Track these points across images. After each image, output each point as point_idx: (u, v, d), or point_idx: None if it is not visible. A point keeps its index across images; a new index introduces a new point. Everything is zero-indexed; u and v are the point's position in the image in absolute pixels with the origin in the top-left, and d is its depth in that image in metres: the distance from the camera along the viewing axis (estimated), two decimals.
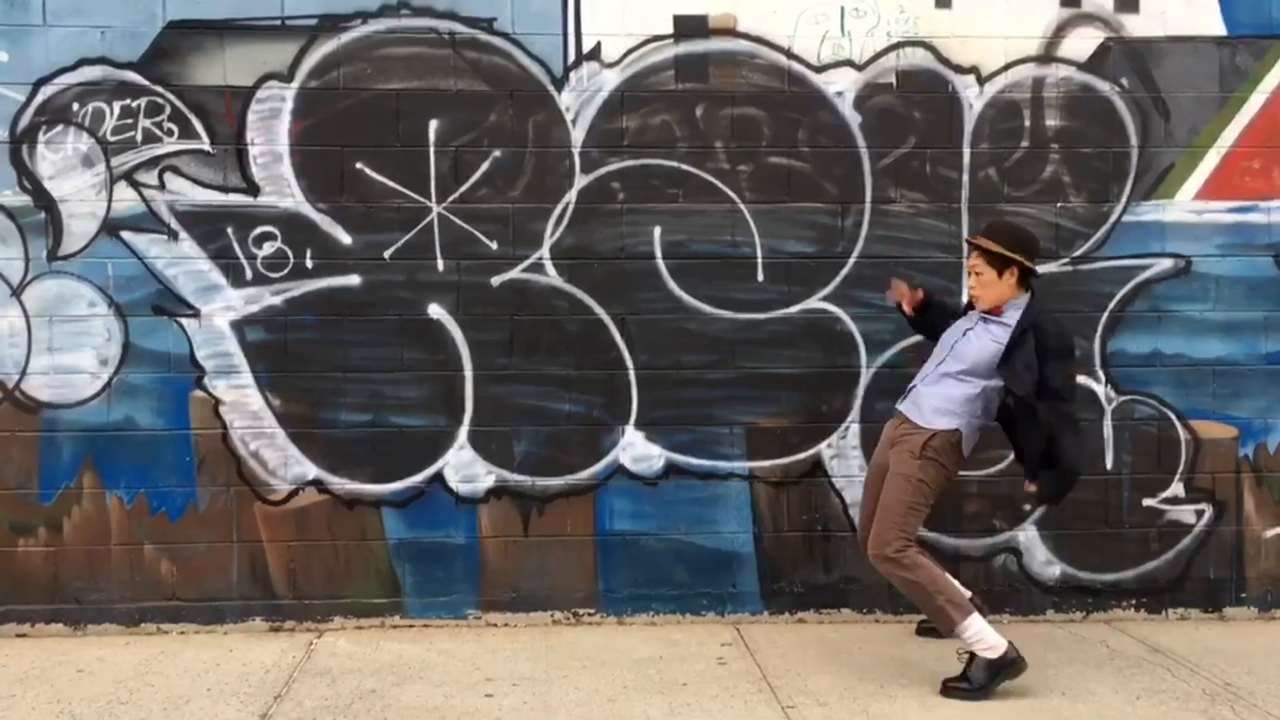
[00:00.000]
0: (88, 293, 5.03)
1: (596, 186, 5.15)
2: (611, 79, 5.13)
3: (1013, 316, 4.41)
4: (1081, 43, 5.23)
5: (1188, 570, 5.32)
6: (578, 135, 5.14)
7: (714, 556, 5.22)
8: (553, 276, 5.16)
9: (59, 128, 4.99)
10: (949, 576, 4.45)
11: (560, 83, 5.12)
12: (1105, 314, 5.26)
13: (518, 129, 5.11)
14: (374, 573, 5.16)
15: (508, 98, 5.11)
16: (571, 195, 5.15)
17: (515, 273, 5.15)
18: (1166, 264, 5.28)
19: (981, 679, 4.30)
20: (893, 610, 5.25)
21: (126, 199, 5.03)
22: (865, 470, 5.10)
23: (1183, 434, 5.30)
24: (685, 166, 5.16)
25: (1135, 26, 5.24)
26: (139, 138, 5.02)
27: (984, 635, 4.31)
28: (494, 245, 5.13)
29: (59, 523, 5.05)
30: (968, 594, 4.50)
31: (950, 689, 4.32)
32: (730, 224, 5.17)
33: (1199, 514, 5.32)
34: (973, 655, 4.33)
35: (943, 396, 4.46)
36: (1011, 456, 5.20)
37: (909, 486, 4.41)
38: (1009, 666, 4.30)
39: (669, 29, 5.14)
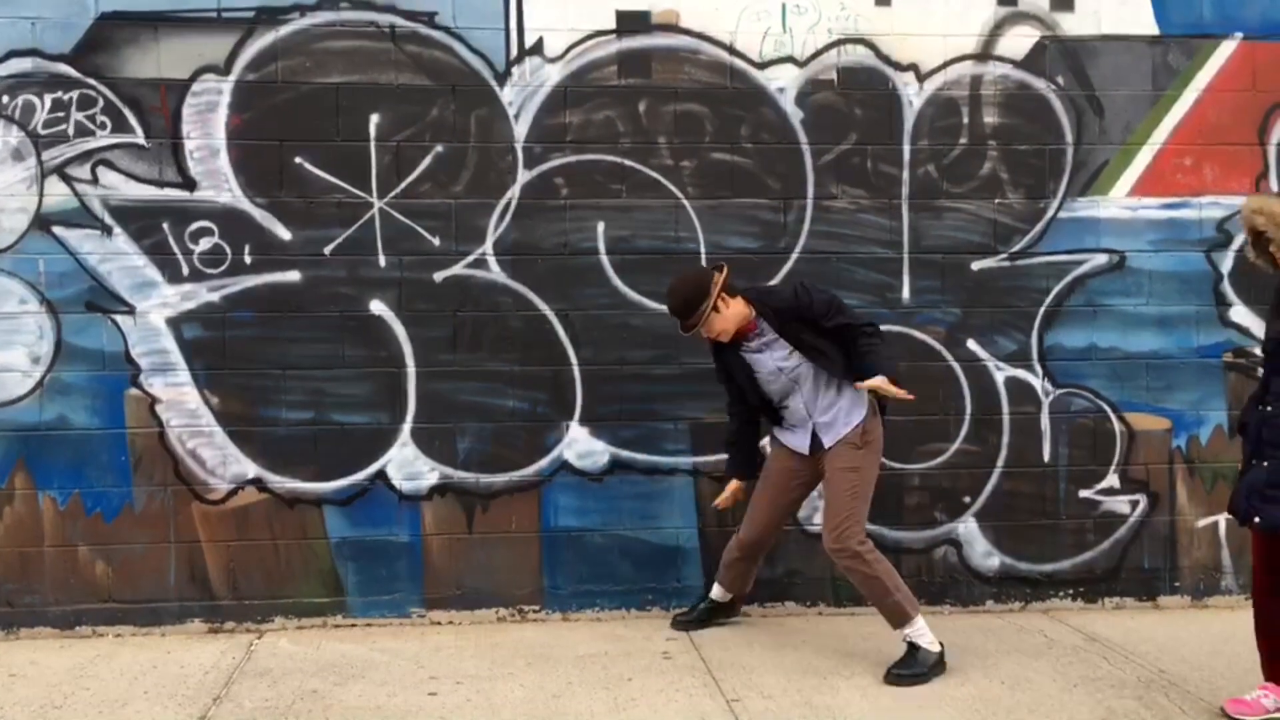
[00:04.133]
0: (18, 289, 4.92)
1: (539, 182, 5.14)
2: (554, 74, 5.12)
3: (764, 325, 4.54)
4: (1018, 41, 5.31)
5: (1123, 560, 5.42)
6: (520, 130, 5.12)
7: (659, 551, 5.23)
8: (496, 272, 5.14)
9: None
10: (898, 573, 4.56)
11: (502, 77, 5.10)
12: (1042, 309, 5.34)
13: (460, 124, 5.08)
14: (315, 572, 5.10)
15: (449, 92, 5.07)
16: (514, 191, 5.13)
17: (458, 269, 5.12)
18: (1101, 259, 5.37)
19: (926, 665, 4.42)
20: (835, 603, 5.30)
21: (58, 193, 4.93)
22: None
23: (1117, 426, 5.40)
24: (628, 162, 5.16)
25: (1070, 25, 5.33)
26: (71, 131, 4.92)
27: (926, 631, 4.46)
28: (436, 241, 5.10)
29: None
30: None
31: (897, 676, 4.38)
32: (673, 220, 5.18)
33: (1133, 505, 5.42)
34: (916, 645, 4.44)
35: (837, 406, 4.54)
36: (953, 449, 5.31)
37: (859, 477, 4.50)
38: (942, 659, 4.46)
39: (611, 24, 5.13)
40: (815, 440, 4.59)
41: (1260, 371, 4.03)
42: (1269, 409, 3.86)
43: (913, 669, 4.40)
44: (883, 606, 4.49)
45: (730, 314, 4.52)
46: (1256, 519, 3.87)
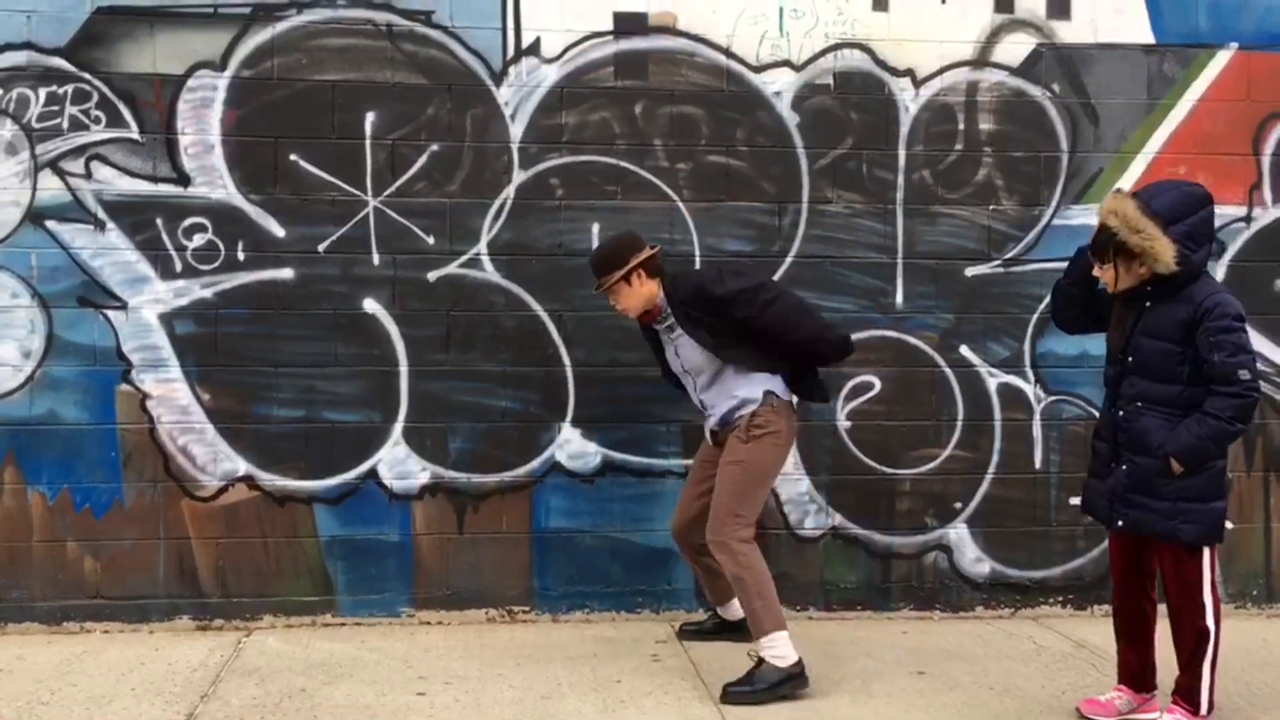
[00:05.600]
0: (10, 283, 4.90)
1: (535, 182, 5.13)
2: (551, 74, 5.12)
3: (667, 311, 4.48)
4: (1014, 48, 5.32)
5: None
6: (516, 130, 5.11)
7: (649, 554, 5.23)
8: (490, 272, 5.13)
9: None
10: (773, 585, 4.39)
11: (499, 77, 5.10)
12: (1034, 316, 5.35)
13: (455, 123, 5.08)
14: (305, 570, 5.09)
15: (445, 91, 5.07)
16: (509, 190, 5.12)
17: (452, 268, 5.11)
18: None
19: (765, 684, 4.25)
20: (825, 607, 5.30)
21: (52, 188, 4.91)
22: (799, 467, 5.21)
23: None
24: (624, 163, 5.16)
25: (1066, 33, 5.34)
26: (65, 125, 4.91)
27: (780, 646, 4.29)
28: (430, 240, 5.09)
29: None
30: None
31: (731, 693, 4.24)
32: (668, 222, 5.17)
33: None
34: (761, 659, 4.30)
35: (729, 396, 4.44)
36: (944, 454, 5.32)
37: (739, 470, 4.38)
38: (795, 679, 4.29)
39: (609, 25, 5.13)
40: (713, 432, 4.57)
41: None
42: (1121, 413, 3.90)
43: (747, 684, 4.25)
44: (746, 610, 4.39)
45: (639, 293, 4.44)
46: (1120, 523, 3.92)
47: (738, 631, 4.82)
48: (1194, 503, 3.80)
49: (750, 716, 4.12)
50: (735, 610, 4.82)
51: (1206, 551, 3.87)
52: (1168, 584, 3.94)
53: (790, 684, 4.28)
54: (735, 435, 4.42)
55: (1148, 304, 3.84)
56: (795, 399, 4.56)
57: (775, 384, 4.45)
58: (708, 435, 4.65)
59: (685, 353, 4.50)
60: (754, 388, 4.41)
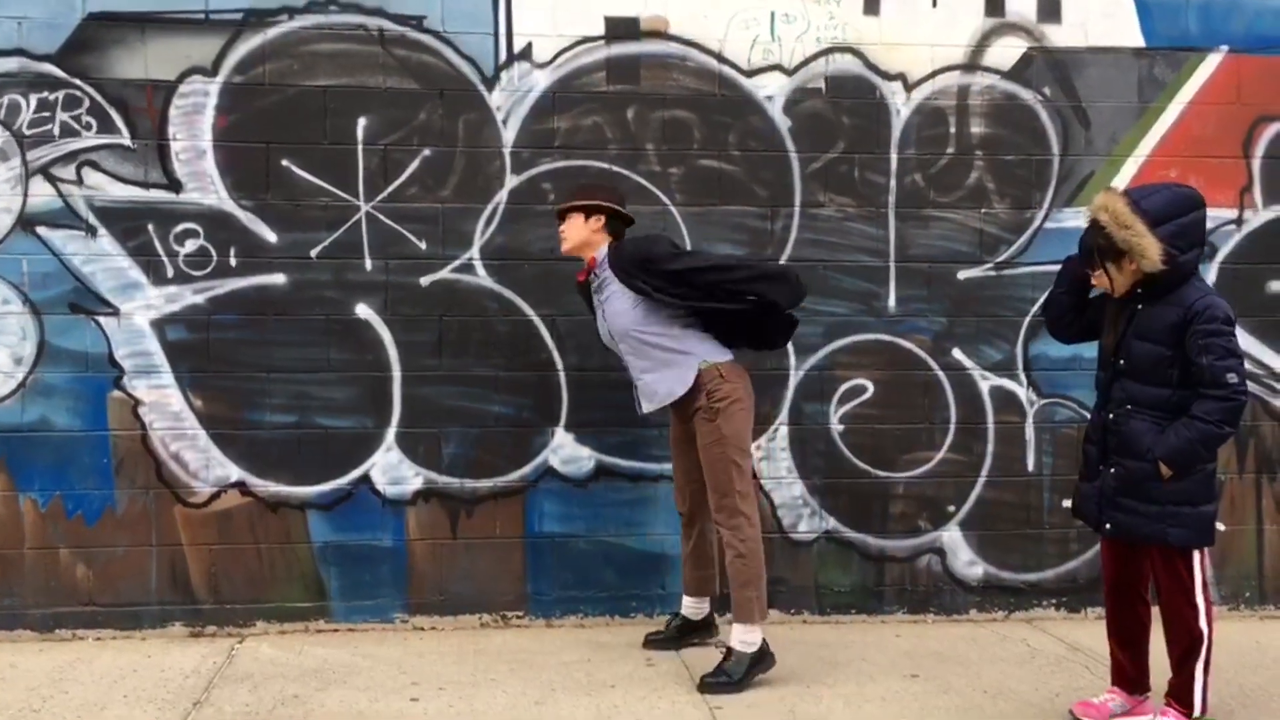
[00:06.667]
0: (1, 290, 4.89)
1: (527, 187, 5.13)
2: (542, 79, 5.12)
3: (604, 269, 4.54)
4: (1005, 51, 5.33)
5: None
6: (508, 135, 5.11)
7: (643, 558, 5.22)
8: (483, 277, 5.13)
9: None
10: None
11: (491, 82, 5.10)
12: (1027, 319, 5.36)
13: (448, 128, 5.08)
14: (298, 576, 5.08)
15: (438, 96, 5.07)
16: (502, 195, 5.12)
17: (445, 273, 5.11)
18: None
19: (739, 672, 4.38)
20: (819, 611, 5.30)
21: (43, 194, 4.90)
22: (793, 471, 5.21)
23: None
24: (616, 168, 5.16)
25: (1057, 36, 5.35)
26: (56, 131, 4.90)
27: (755, 634, 4.44)
28: (423, 245, 5.09)
29: None
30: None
31: (710, 685, 4.36)
32: (661, 226, 5.16)
33: None
34: (729, 650, 4.43)
35: (660, 362, 4.50)
36: (937, 457, 5.32)
37: (721, 449, 4.44)
38: (764, 659, 4.44)
39: (600, 30, 5.14)
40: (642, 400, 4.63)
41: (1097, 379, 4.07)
42: (1111, 416, 3.91)
43: (722, 674, 4.38)
44: (738, 596, 4.44)
45: (582, 230, 4.57)
46: (1108, 526, 3.94)
47: (703, 631, 4.88)
48: (1183, 506, 3.81)
49: None
50: (703, 607, 4.88)
51: (1197, 555, 3.88)
52: (1159, 587, 3.95)
53: (763, 664, 4.43)
54: (701, 416, 4.47)
55: (1139, 306, 3.85)
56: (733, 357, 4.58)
57: (707, 347, 4.51)
58: (638, 408, 4.67)
59: (613, 316, 4.55)
60: (682, 352, 4.47)
